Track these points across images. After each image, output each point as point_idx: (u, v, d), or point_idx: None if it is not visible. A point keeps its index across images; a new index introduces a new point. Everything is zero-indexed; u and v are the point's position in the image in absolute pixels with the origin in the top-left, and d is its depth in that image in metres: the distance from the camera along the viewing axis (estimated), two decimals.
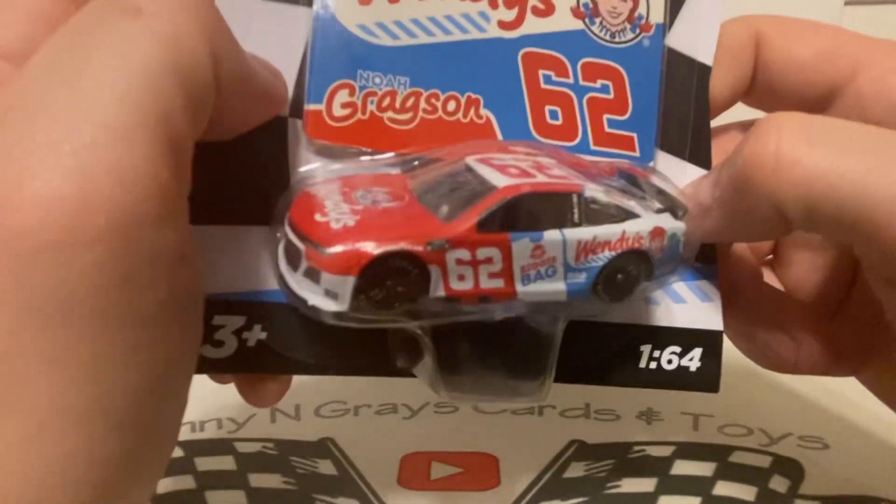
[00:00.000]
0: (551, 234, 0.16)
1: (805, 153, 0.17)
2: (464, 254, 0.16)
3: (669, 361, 0.21)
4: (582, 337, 0.21)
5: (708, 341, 0.21)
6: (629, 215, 0.17)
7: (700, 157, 0.21)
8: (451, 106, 0.19)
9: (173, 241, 0.15)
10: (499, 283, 0.17)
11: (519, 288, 0.17)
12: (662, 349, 0.21)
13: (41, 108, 0.14)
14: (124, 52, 0.15)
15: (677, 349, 0.21)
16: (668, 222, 0.18)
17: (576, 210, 0.16)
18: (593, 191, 0.17)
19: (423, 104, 0.19)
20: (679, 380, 0.21)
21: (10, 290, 0.14)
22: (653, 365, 0.21)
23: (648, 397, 0.33)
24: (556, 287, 0.17)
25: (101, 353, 0.14)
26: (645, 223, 0.17)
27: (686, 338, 0.21)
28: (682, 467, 0.30)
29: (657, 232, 0.17)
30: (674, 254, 0.18)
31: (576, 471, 0.30)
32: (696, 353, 0.21)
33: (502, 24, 0.19)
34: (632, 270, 0.17)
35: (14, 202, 0.13)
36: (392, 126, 0.19)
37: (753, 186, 0.18)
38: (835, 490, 0.28)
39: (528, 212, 0.16)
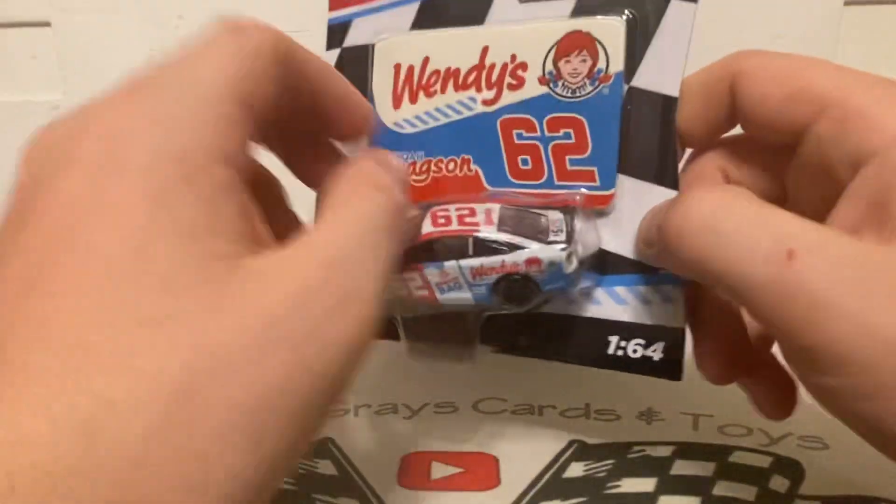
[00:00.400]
0: (450, 263, 0.24)
1: (697, 235, 0.19)
2: (397, 277, 0.24)
3: (635, 351, 0.25)
4: (560, 326, 0.26)
5: (670, 336, 0.24)
6: (514, 248, 0.23)
7: (665, 177, 0.24)
8: (451, 166, 0.26)
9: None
10: (425, 293, 0.24)
11: (438, 296, 0.24)
12: (628, 340, 0.25)
13: (328, 293, 0.18)
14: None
15: (642, 341, 0.25)
16: (548, 253, 0.23)
17: (470, 246, 0.23)
18: (487, 233, 0.24)
19: (432, 168, 0.26)
20: (644, 367, 0.25)
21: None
22: (620, 353, 0.25)
23: (648, 397, 0.33)
24: (464, 295, 0.24)
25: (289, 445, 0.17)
26: (524, 254, 0.23)
27: (649, 332, 0.25)
28: (682, 467, 0.30)
29: (532, 260, 0.23)
30: (558, 274, 0.23)
31: (576, 471, 0.30)
32: (659, 346, 0.25)
33: (485, 102, 0.25)
34: (518, 286, 0.24)
35: None
36: (414, 185, 0.26)
37: (665, 246, 0.21)
38: (835, 490, 0.28)
39: (435, 249, 0.24)
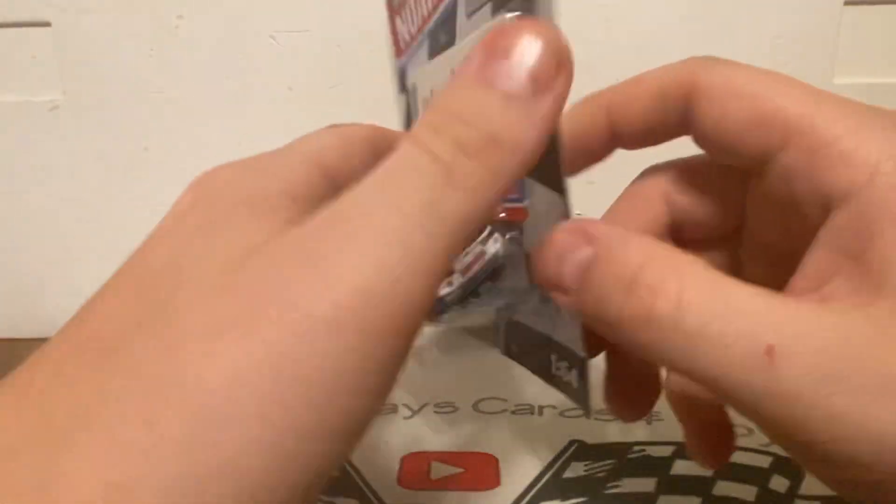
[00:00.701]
0: None
1: (661, 330, 0.16)
2: None
3: (565, 373, 0.23)
4: (531, 339, 0.25)
5: (579, 364, 0.22)
6: None
7: (543, 176, 0.21)
8: None
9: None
10: None
11: None
12: (560, 362, 0.23)
13: (324, 251, 0.15)
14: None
15: (566, 364, 0.23)
16: None
17: None
18: None
19: None
20: (569, 391, 0.23)
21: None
22: (558, 373, 0.23)
23: None
24: None
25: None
26: None
27: (570, 356, 0.23)
28: (682, 467, 0.30)
29: None
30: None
31: (576, 471, 0.30)
32: (575, 372, 0.22)
33: None
34: None
35: None
36: None
37: (616, 332, 0.17)
38: None
39: None
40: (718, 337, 0.16)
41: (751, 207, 0.21)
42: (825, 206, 0.18)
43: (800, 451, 0.17)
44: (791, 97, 0.19)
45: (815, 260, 0.18)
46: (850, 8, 0.43)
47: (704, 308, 0.16)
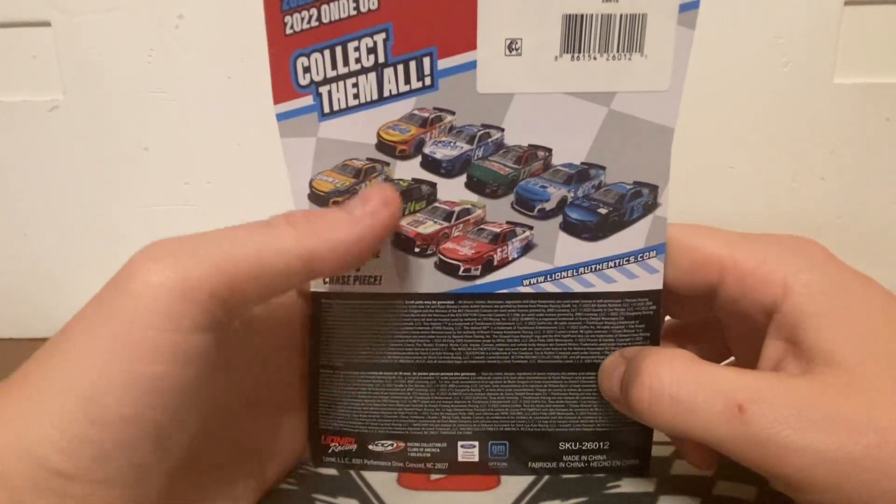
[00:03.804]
0: None
1: (665, 409, 0.23)
2: None
3: None
4: None
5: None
6: None
7: None
8: None
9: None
10: None
11: None
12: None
13: None
14: None
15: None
16: None
17: None
18: None
19: None
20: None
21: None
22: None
23: None
24: None
25: None
26: None
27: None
28: (682, 467, 0.30)
29: None
30: None
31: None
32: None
33: None
34: None
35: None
36: None
37: (639, 416, 0.24)
38: None
39: None
40: (704, 402, 0.22)
41: (720, 317, 0.28)
42: (767, 315, 0.25)
43: (779, 482, 0.22)
44: (714, 244, 0.26)
45: (770, 347, 0.24)
46: (850, 8, 0.43)
47: (693, 382, 0.23)
